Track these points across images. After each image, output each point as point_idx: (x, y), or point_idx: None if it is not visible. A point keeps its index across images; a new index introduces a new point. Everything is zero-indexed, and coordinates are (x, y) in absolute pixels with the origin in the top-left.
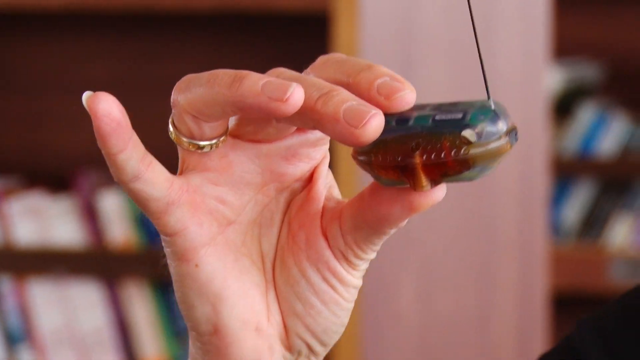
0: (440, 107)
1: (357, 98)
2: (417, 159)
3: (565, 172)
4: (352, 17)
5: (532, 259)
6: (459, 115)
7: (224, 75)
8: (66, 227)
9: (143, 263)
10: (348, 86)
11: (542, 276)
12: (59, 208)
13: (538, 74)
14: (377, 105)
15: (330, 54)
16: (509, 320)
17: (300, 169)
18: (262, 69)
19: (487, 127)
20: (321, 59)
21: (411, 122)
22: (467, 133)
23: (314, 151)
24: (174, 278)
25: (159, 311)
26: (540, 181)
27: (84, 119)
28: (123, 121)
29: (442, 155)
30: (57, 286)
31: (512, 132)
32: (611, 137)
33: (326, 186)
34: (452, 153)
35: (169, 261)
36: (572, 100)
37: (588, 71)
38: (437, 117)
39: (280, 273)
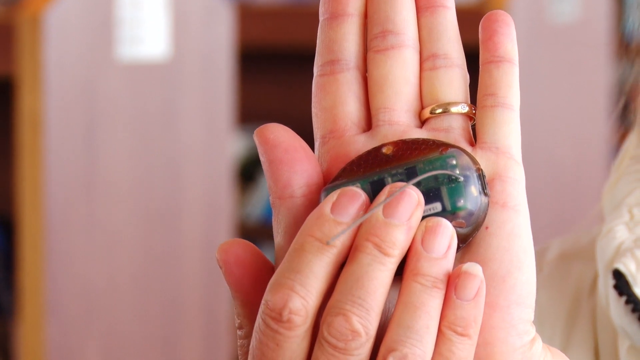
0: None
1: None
2: None
3: (250, 237)
4: (36, 84)
5: (217, 327)
6: (438, 207)
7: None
8: None
9: None
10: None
11: (227, 341)
12: None
13: (222, 140)
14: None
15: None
16: None
17: None
18: None
19: (469, 204)
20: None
21: None
22: (457, 223)
23: None
24: None
25: None
26: None
27: None
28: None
29: None
30: None
31: (482, 181)
32: None
33: None
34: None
35: None
36: (256, 167)
37: None
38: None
39: None
